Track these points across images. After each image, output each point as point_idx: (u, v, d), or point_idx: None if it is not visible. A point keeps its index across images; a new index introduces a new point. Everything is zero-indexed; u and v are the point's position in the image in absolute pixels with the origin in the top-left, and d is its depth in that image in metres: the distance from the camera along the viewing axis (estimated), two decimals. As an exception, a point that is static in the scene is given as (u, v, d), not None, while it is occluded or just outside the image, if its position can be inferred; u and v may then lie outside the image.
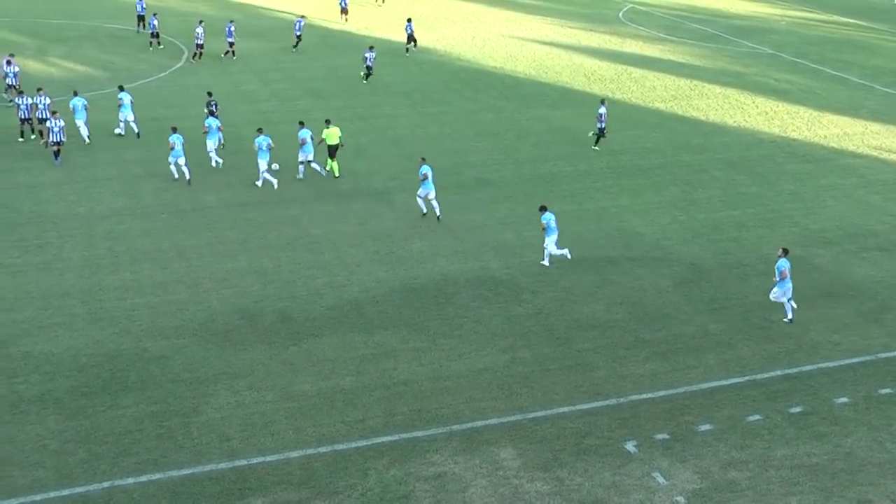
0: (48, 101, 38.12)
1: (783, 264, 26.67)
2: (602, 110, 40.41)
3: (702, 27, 67.58)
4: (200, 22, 54.81)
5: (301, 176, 37.02)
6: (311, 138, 36.61)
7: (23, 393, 22.84)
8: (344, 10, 66.60)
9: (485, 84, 51.26)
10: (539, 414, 22.61)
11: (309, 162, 36.86)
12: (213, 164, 37.79)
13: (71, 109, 39.69)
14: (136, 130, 40.97)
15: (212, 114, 39.72)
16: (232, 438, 21.42)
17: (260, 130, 36.27)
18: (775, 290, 27.01)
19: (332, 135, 37.11)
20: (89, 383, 23.32)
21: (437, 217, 33.39)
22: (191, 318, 26.51)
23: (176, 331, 25.86)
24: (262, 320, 26.54)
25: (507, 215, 34.00)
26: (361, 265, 30.00)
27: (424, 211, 33.83)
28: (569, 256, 30.34)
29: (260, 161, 35.76)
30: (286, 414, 22.36)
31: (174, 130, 36.44)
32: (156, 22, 56.36)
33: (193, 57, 53.85)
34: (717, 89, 51.90)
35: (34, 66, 50.57)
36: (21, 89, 40.85)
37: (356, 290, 28.35)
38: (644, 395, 23.48)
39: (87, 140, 39.73)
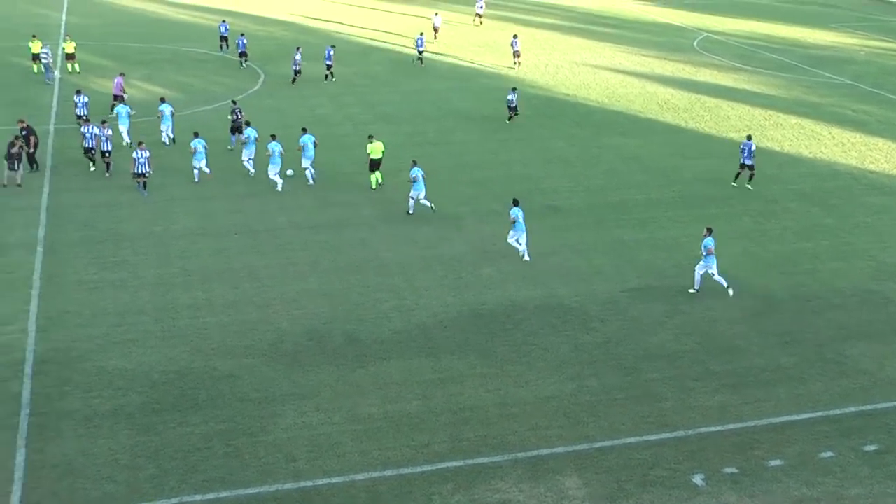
0: (110, 132, 39.00)
1: (709, 242, 29.66)
2: (750, 145, 39.62)
3: (777, 56, 66.77)
4: (298, 49, 55.77)
5: (311, 182, 38.96)
6: (315, 144, 38.88)
7: (97, 407, 23.31)
8: (436, 30, 67.15)
9: (557, 111, 51.18)
10: (605, 444, 22.44)
11: (305, 168, 38.90)
12: (252, 174, 39.39)
13: (115, 115, 42.43)
14: (172, 137, 43.16)
15: (235, 122, 42.14)
16: (298, 459, 21.58)
17: (273, 137, 38.12)
18: (700, 263, 29.98)
19: (376, 149, 38.29)
20: (160, 400, 23.71)
21: (432, 209, 35.82)
22: (260, 339, 26.82)
23: (245, 350, 26.17)
24: (331, 342, 26.74)
25: (577, 242, 33.86)
26: (430, 289, 30.09)
27: (412, 211, 35.89)
28: (526, 258, 32.09)
29: (271, 166, 37.85)
30: (352, 436, 22.47)
31: (196, 135, 38.58)
32: (245, 41, 58.27)
33: (293, 81, 54.71)
34: (793, 119, 51.17)
35: (115, 87, 51.81)
36: (88, 118, 41.86)
37: (424, 315, 28.44)
38: (713, 428, 23.16)
39: (129, 143, 41.92)
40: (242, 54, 58.46)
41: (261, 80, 55.91)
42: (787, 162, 43.84)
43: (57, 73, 54.65)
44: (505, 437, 22.59)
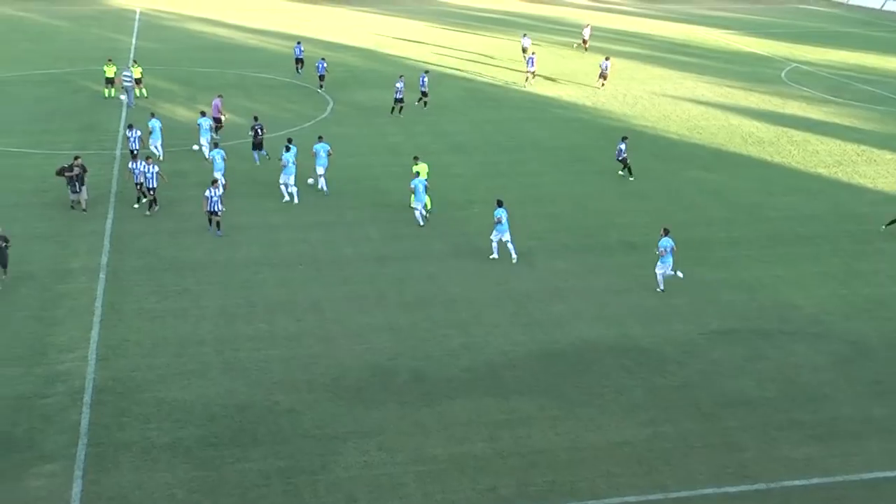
0: (156, 169, 38.10)
1: (665, 243, 31.15)
2: None
3: (871, 88, 64.81)
4: (401, 77, 55.09)
5: (314, 184, 40.51)
6: (328, 153, 40.07)
7: (154, 439, 22.94)
8: (524, 50, 67.02)
9: (634, 143, 49.81)
10: (681, 494, 21.47)
11: (320, 175, 40.18)
12: (287, 198, 39.55)
13: (149, 129, 43.79)
14: (207, 154, 43.43)
15: (256, 137, 43.64)
16: (359, 500, 20.97)
17: (287, 149, 39.31)
18: (658, 264, 31.55)
19: (422, 170, 38.33)
20: (219, 434, 23.25)
21: (425, 218, 37.17)
22: (322, 373, 26.20)
23: (307, 385, 25.58)
24: (395, 379, 26.01)
25: (653, 281, 32.65)
26: (499, 326, 29.19)
27: (422, 223, 37.07)
28: (514, 256, 33.76)
29: (283, 175, 39.13)
30: (415, 477, 21.79)
31: (216, 145, 40.52)
32: (325, 65, 59.53)
33: (393, 111, 54.32)
34: (887, 155, 49.28)
35: (183, 113, 52.00)
36: (136, 153, 41.79)
37: (493, 353, 27.55)
38: (797, 482, 22.02)
39: (160, 158, 43.45)
40: (321, 77, 59.28)
41: (329, 106, 55.74)
42: (881, 200, 41.98)
43: (126, 98, 54.45)
44: (575, 483, 21.76)
